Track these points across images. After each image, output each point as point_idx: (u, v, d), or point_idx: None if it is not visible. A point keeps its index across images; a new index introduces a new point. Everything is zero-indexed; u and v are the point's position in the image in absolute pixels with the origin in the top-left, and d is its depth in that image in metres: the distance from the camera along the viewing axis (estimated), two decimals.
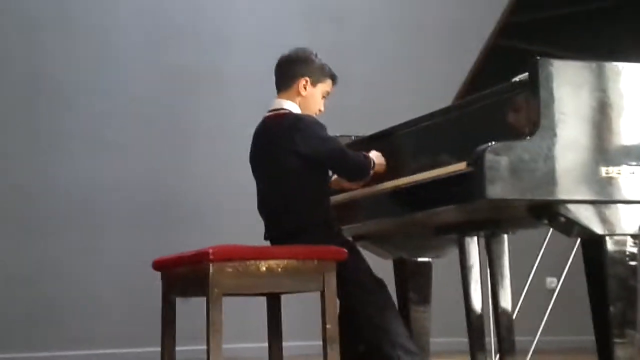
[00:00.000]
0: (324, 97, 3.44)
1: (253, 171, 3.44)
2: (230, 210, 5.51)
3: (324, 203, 3.33)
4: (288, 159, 3.27)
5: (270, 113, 3.39)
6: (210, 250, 2.97)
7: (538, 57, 2.88)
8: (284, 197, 3.31)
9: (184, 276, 3.17)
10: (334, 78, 3.46)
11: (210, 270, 2.95)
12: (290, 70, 3.40)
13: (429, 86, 5.77)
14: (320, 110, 3.44)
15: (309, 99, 3.39)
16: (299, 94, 3.38)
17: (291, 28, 5.84)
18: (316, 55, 3.43)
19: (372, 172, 3.36)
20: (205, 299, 2.97)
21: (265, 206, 3.38)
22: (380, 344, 3.20)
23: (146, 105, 5.61)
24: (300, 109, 3.37)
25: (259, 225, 3.40)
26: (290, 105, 3.36)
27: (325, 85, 3.43)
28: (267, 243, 3.37)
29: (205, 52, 5.78)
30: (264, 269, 3.04)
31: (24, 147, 5.39)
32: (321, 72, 3.41)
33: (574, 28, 3.66)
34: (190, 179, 5.66)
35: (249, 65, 5.77)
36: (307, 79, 3.38)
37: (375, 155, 3.42)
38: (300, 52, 3.43)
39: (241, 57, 5.83)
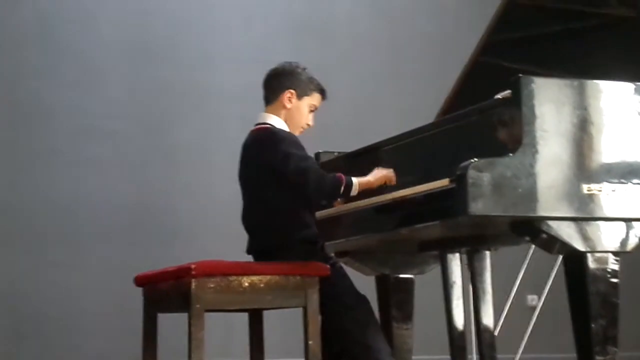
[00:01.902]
0: (311, 111, 3.40)
1: (240, 185, 3.42)
2: (213, 226, 5.50)
3: (306, 219, 3.30)
4: (264, 174, 3.26)
5: (255, 127, 3.39)
6: (193, 266, 2.96)
7: (520, 75, 2.89)
8: (264, 213, 3.29)
9: (166, 292, 3.15)
10: (322, 92, 3.42)
11: (192, 286, 2.94)
12: (276, 83, 3.39)
13: (412, 103, 5.79)
14: (308, 125, 3.41)
15: (294, 112, 3.37)
16: (284, 107, 3.36)
17: (274, 44, 5.84)
18: (304, 69, 3.41)
19: (344, 192, 3.19)
20: (187, 314, 2.96)
21: (247, 221, 3.37)
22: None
23: (127, 122, 5.60)
24: (286, 123, 3.35)
25: (243, 241, 3.39)
26: (275, 120, 3.35)
27: (312, 99, 3.39)
28: (250, 256, 3.35)
29: (187, 68, 5.77)
30: (246, 284, 3.03)
31: (5, 163, 5.36)
32: (308, 86, 3.38)
33: (556, 46, 3.69)
34: (173, 194, 5.64)
35: (231, 82, 5.77)
36: (292, 91, 3.36)
37: (373, 174, 3.28)
38: (286, 65, 3.42)
39: (224, 73, 5.83)
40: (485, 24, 3.78)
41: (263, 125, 3.34)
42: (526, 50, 3.72)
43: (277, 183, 3.23)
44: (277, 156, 3.21)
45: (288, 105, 3.36)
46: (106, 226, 5.46)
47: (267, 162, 3.24)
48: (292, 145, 3.24)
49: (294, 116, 3.37)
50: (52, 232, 5.35)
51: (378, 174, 3.28)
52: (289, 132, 3.31)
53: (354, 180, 3.20)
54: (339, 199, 3.48)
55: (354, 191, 3.20)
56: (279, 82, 3.38)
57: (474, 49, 3.80)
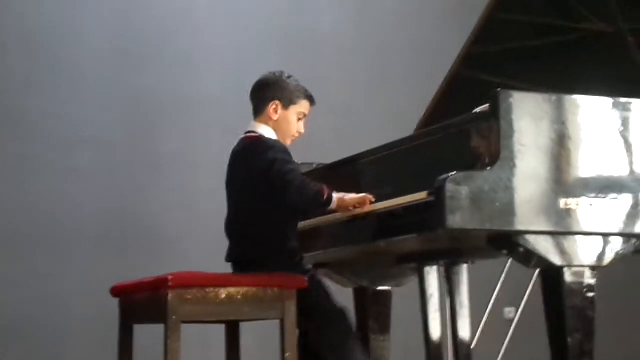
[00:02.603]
0: (300, 119, 3.38)
1: (226, 191, 3.40)
2: (197, 235, 5.48)
3: (288, 231, 3.29)
4: (250, 182, 3.25)
5: (245, 135, 3.37)
6: (169, 277, 2.94)
7: (499, 89, 2.90)
8: (247, 222, 3.28)
9: (142, 303, 3.14)
10: (310, 99, 3.39)
11: (169, 297, 2.92)
12: (261, 95, 3.37)
13: (395, 114, 5.78)
14: (299, 133, 3.39)
15: (281, 123, 3.35)
16: (270, 118, 3.34)
17: (260, 53, 5.83)
18: (289, 77, 3.39)
19: (325, 202, 3.18)
20: (163, 326, 2.94)
21: (229, 228, 3.36)
22: None
23: (110, 130, 5.57)
24: (276, 133, 3.33)
25: (222, 252, 3.38)
26: (264, 130, 3.33)
27: (299, 107, 3.37)
28: (229, 265, 3.33)
29: (172, 77, 5.75)
30: (223, 296, 3.02)
31: None
32: (293, 94, 3.35)
33: (535, 61, 3.70)
34: (157, 202, 5.62)
35: (216, 91, 5.76)
36: (277, 102, 3.34)
37: (350, 197, 3.21)
38: (270, 76, 3.40)
39: (209, 83, 5.81)
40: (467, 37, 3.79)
41: (253, 134, 3.34)
42: (505, 64, 3.74)
43: (263, 192, 3.22)
44: (264, 162, 3.20)
45: (274, 117, 3.34)
46: (90, 234, 5.42)
47: (255, 170, 3.23)
48: (280, 152, 3.23)
49: (282, 126, 3.35)
50: (36, 240, 5.31)
51: (353, 195, 3.23)
52: (277, 141, 3.30)
53: (334, 194, 3.20)
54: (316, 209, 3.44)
55: (333, 204, 3.19)
56: (263, 94, 3.37)
57: (454, 62, 3.82)
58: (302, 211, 3.38)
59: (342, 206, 3.21)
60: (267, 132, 3.33)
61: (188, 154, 5.67)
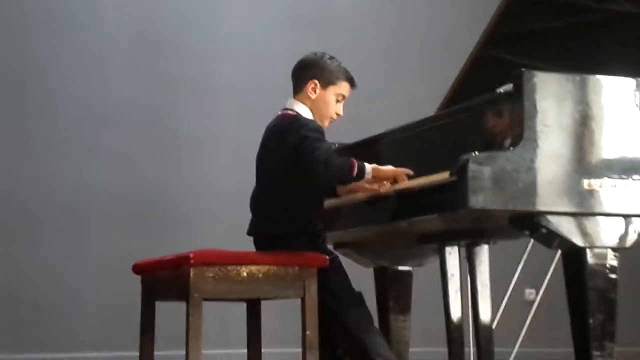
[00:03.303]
0: (338, 100, 3.37)
1: (256, 165, 3.40)
2: (215, 216, 5.50)
3: (314, 210, 3.30)
4: (281, 158, 3.24)
5: (281, 112, 3.37)
6: (191, 255, 2.96)
7: (522, 69, 2.89)
8: (274, 198, 3.27)
9: (164, 280, 3.16)
10: (350, 80, 3.38)
11: (191, 275, 2.94)
12: (301, 74, 3.37)
13: (413, 96, 5.78)
14: (338, 114, 3.39)
15: (319, 102, 3.34)
16: (308, 97, 3.34)
17: (278, 38, 5.83)
18: (330, 58, 3.38)
19: (357, 176, 3.20)
20: (185, 303, 2.96)
21: (255, 202, 3.36)
22: (358, 353, 3.20)
23: (132, 112, 5.59)
24: (312, 113, 3.33)
25: (240, 232, 3.38)
26: (301, 108, 3.33)
27: (338, 88, 3.35)
28: (247, 243, 3.34)
29: (193, 60, 5.76)
30: (244, 274, 3.03)
31: (8, 151, 5.36)
32: (333, 74, 3.34)
33: (559, 41, 3.68)
34: (175, 184, 5.64)
35: (235, 74, 5.75)
36: (316, 82, 3.33)
37: (385, 169, 3.26)
38: (311, 56, 3.40)
39: (228, 65, 5.81)
40: (487, 19, 3.77)
41: (289, 112, 3.34)
42: (529, 44, 3.71)
43: (292, 169, 3.22)
44: (295, 139, 3.20)
45: (312, 96, 3.33)
46: (108, 215, 5.45)
47: (285, 146, 3.22)
48: (311, 130, 3.22)
49: (320, 106, 3.34)
50: (54, 220, 5.35)
51: (390, 167, 3.27)
52: (312, 120, 3.30)
53: (367, 165, 3.21)
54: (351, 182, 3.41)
55: (368, 174, 3.20)
56: (303, 73, 3.36)
57: (477, 42, 3.80)
58: (331, 188, 3.39)
59: (378, 177, 3.23)
60: (303, 110, 3.33)
61: (207, 136, 5.68)
